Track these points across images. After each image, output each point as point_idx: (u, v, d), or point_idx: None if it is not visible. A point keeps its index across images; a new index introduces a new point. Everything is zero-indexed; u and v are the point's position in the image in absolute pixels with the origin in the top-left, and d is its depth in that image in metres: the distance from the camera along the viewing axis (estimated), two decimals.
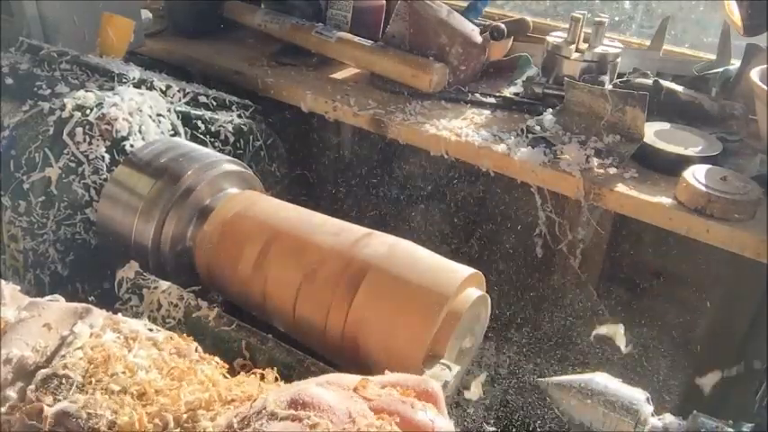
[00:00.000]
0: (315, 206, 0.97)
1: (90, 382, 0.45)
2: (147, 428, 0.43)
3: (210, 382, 0.49)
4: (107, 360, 0.47)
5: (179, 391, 0.46)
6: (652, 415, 0.79)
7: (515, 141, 1.25)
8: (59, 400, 0.44)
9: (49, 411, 0.42)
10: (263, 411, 0.39)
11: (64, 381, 0.45)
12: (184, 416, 0.44)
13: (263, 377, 0.52)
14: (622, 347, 0.83)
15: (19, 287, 0.61)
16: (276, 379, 0.53)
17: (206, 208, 0.97)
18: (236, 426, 0.39)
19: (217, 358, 0.59)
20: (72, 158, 0.98)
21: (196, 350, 0.56)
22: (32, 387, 0.44)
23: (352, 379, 0.42)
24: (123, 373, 0.46)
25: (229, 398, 0.47)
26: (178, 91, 1.20)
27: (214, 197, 0.98)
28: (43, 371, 0.45)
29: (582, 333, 1.43)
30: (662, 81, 1.34)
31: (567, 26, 1.38)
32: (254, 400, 0.42)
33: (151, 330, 0.55)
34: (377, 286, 0.79)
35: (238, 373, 0.57)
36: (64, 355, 0.47)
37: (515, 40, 1.56)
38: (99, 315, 0.54)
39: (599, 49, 1.36)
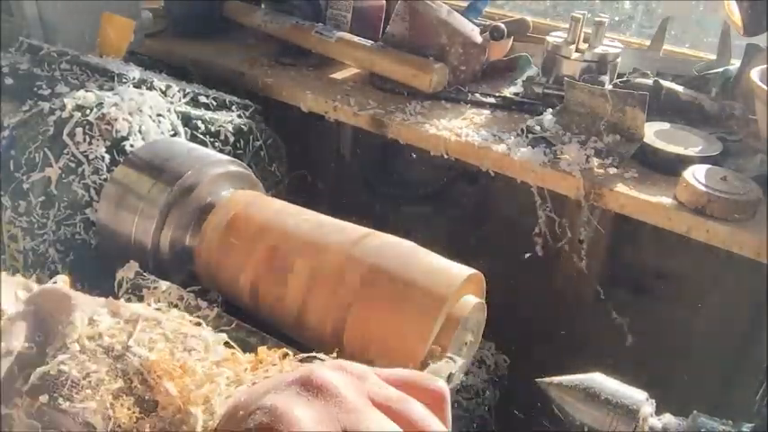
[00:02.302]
0: (315, 206, 0.97)
1: (86, 376, 0.45)
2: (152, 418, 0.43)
3: (219, 364, 0.49)
4: (106, 350, 0.47)
5: (183, 379, 0.46)
6: (652, 415, 0.79)
7: (515, 141, 1.24)
8: (57, 396, 0.44)
9: (46, 407, 0.42)
10: (270, 386, 0.39)
11: (62, 376, 0.44)
12: (192, 397, 0.44)
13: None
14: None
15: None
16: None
17: (206, 208, 0.97)
18: (242, 400, 0.39)
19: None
20: (72, 158, 0.98)
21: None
22: (31, 382, 0.44)
23: (361, 367, 0.42)
24: (123, 359, 0.46)
25: (240, 380, 0.47)
26: (178, 91, 1.19)
27: (214, 197, 0.98)
28: (41, 367, 0.45)
29: (582, 333, 1.43)
30: (662, 81, 1.34)
31: (567, 26, 1.37)
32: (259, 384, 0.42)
33: (158, 309, 0.54)
34: (377, 286, 0.79)
35: None
36: (60, 348, 0.47)
37: (515, 40, 1.56)
38: (96, 303, 0.54)
39: (599, 49, 1.35)
